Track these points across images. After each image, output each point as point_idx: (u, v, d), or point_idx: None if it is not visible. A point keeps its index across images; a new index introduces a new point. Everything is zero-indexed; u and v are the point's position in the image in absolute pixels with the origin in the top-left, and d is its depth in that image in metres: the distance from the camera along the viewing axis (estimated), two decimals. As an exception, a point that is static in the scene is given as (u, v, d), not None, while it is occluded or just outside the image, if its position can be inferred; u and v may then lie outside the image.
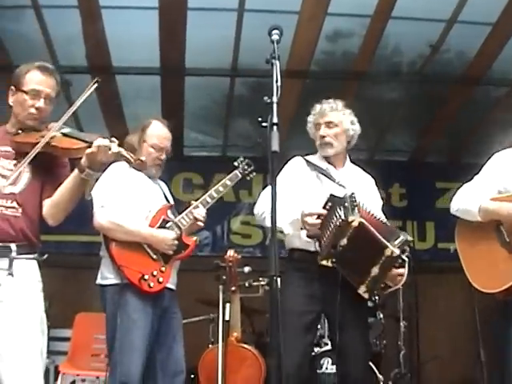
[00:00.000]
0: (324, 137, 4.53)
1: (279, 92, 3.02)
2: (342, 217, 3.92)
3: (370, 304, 6.48)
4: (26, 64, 3.74)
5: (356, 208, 4.01)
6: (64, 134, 3.63)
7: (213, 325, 6.70)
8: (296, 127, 6.03)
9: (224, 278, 3.55)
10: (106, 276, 4.29)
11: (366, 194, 4.43)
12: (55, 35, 6.97)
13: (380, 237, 4.04)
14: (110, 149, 3.53)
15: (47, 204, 3.65)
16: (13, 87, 3.69)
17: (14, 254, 3.46)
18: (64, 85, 6.71)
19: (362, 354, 4.33)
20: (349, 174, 4.59)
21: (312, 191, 4.42)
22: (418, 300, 7.78)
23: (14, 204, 3.53)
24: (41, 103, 3.63)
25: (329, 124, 4.53)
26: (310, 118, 4.64)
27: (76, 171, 3.57)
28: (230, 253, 3.64)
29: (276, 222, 2.92)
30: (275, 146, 2.86)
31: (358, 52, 7.09)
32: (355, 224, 3.94)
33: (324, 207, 4.12)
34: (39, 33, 6.87)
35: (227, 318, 3.45)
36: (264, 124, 2.98)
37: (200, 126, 8.51)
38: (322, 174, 4.49)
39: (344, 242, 3.96)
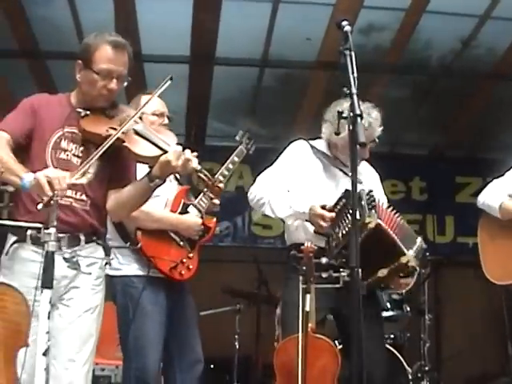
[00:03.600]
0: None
1: (356, 83, 3.01)
2: (358, 217, 3.38)
3: (396, 297, 6.59)
4: (94, 36, 3.33)
5: (373, 208, 3.72)
6: (137, 133, 3.32)
7: (239, 316, 6.74)
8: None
9: (304, 268, 3.51)
10: (116, 267, 4.08)
11: (374, 190, 4.12)
12: (85, 22, 6.91)
13: (399, 242, 3.74)
14: (190, 162, 3.20)
15: (112, 199, 3.38)
16: (80, 62, 3.31)
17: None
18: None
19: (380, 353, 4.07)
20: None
21: (319, 183, 4.15)
22: (438, 294, 7.84)
23: (83, 197, 3.29)
24: (113, 84, 3.27)
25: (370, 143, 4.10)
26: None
27: (146, 179, 3.28)
28: (308, 243, 3.60)
29: (355, 211, 2.92)
30: (362, 137, 2.79)
31: (389, 46, 7.07)
32: (372, 226, 3.64)
33: (337, 203, 3.81)
34: (69, 19, 6.79)
35: (307, 308, 3.43)
36: (344, 115, 2.92)
37: (225, 116, 8.47)
38: (336, 166, 4.18)
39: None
